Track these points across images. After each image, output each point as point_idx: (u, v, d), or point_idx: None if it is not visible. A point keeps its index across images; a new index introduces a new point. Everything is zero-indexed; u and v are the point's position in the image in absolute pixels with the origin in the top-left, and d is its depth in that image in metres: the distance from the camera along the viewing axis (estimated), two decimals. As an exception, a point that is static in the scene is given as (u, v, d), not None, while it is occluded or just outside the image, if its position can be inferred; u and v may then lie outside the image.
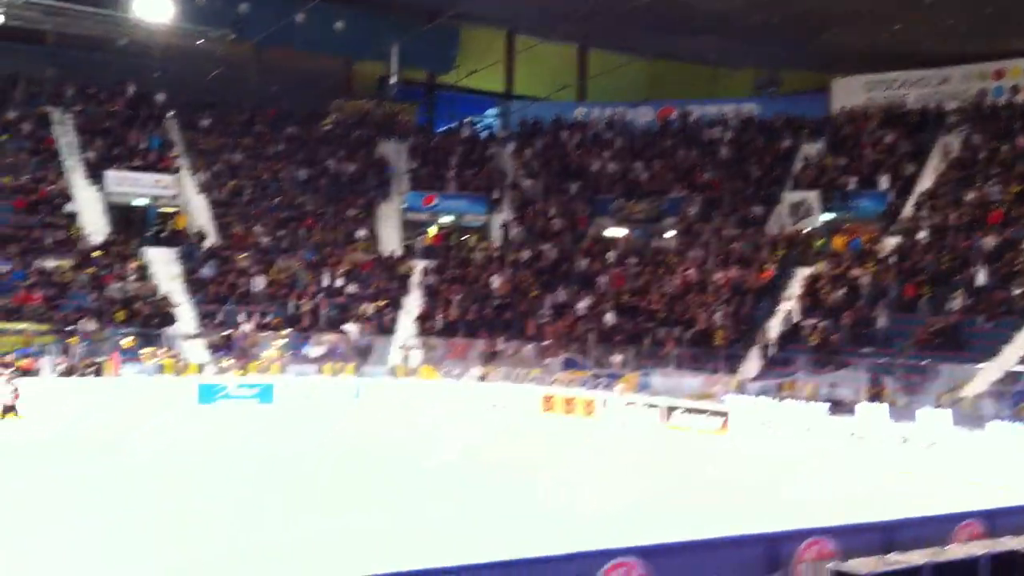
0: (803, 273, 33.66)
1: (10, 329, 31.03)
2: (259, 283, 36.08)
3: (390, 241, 41.70)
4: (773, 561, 9.97)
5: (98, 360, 30.64)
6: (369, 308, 36.60)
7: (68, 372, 30.00)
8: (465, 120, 52.21)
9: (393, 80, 51.99)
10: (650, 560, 9.15)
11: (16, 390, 25.49)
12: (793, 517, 13.58)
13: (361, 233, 40.95)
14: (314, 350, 33.82)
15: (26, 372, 29.13)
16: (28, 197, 36.82)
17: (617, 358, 32.19)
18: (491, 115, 54.79)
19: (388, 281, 38.78)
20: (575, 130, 47.21)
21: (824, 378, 27.42)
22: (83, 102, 41.56)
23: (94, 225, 36.84)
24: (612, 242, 39.87)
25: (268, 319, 34.83)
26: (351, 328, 35.24)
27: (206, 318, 34.44)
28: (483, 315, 36.76)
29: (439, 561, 8.88)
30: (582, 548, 9.59)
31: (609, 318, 34.86)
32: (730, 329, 32.39)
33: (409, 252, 41.13)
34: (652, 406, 26.19)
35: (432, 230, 43.33)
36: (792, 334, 31.27)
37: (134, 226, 38.26)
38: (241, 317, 34.43)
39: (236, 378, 31.49)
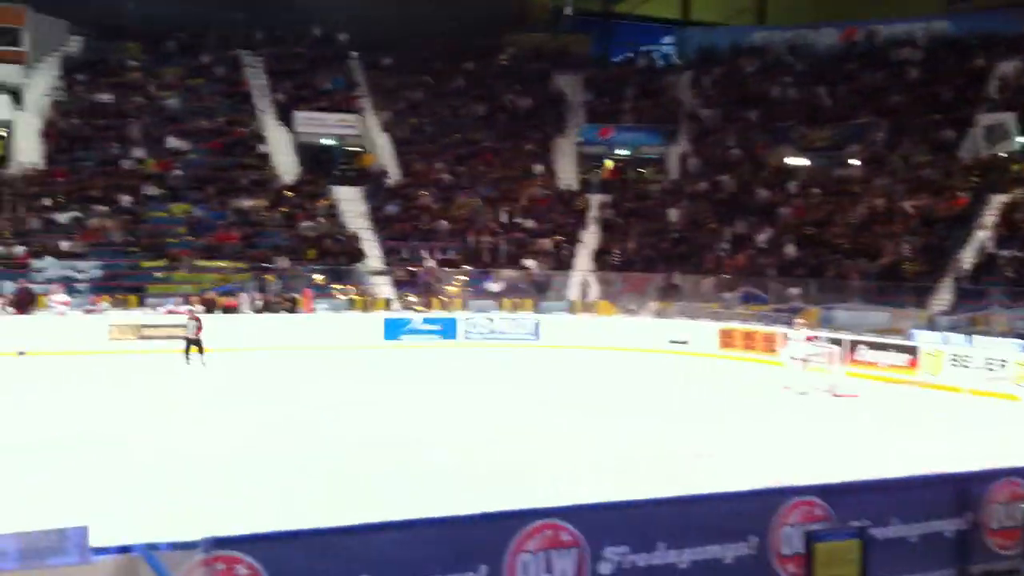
0: (999, 200, 32.02)
1: (210, 267, 32.85)
2: (442, 223, 36.94)
3: (567, 175, 41.88)
4: (963, 502, 9.77)
5: (292, 296, 32.08)
6: (547, 243, 37.00)
7: (265, 308, 31.50)
8: (640, 49, 51.61)
9: (567, 11, 51.86)
10: (828, 498, 9.14)
11: (199, 325, 26.63)
12: (985, 456, 13.23)
13: (538, 168, 41.28)
14: (494, 285, 34.51)
15: (227, 309, 30.93)
16: (223, 139, 38.72)
17: (797, 291, 31.58)
18: (667, 43, 53.93)
19: (565, 216, 39.02)
20: (754, 56, 45.88)
21: (1022, 312, 26.17)
22: (271, 45, 43.16)
23: (285, 165, 38.49)
24: (793, 171, 38.82)
25: (450, 255, 35.68)
26: (530, 263, 35.76)
27: (391, 254, 35.58)
28: (660, 248, 36.59)
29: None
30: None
31: (790, 250, 34.15)
32: (919, 260, 31.25)
33: (586, 186, 41.23)
34: (835, 341, 25.69)
35: (608, 163, 43.26)
36: (987, 265, 29.89)
37: (323, 165, 39.69)
38: (424, 253, 35.40)
39: (421, 313, 32.49)
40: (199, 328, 26.01)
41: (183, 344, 25.96)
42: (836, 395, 22.00)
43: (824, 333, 26.66)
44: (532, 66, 46.54)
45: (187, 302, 29.95)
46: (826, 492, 9.21)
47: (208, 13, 43.25)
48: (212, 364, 25.39)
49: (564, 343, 31.27)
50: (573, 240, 37.74)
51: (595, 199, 39.91)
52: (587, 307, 34.34)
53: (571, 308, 34.25)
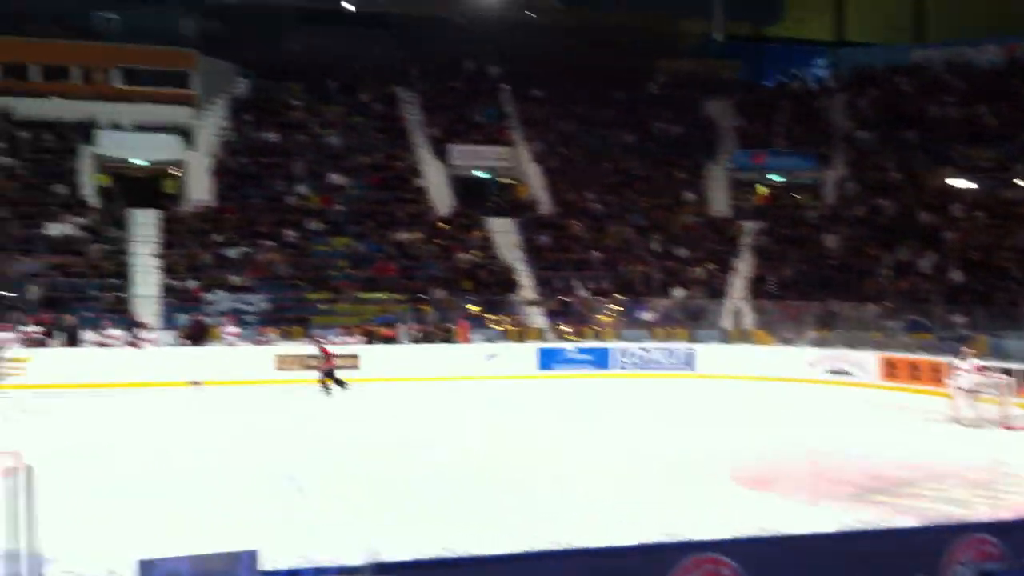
0: None
1: (370, 298, 33.84)
2: (594, 252, 37.10)
3: (719, 202, 41.53)
4: None
5: (448, 326, 32.70)
6: (700, 271, 36.72)
7: (423, 339, 32.18)
8: (792, 72, 50.90)
9: (717, 36, 51.58)
10: (1003, 536, 8.89)
11: (329, 356, 27.18)
12: None
13: (690, 195, 41.08)
14: (647, 314, 34.38)
15: (387, 339, 31.83)
16: (382, 174, 39.94)
17: (964, 319, 30.42)
18: (820, 65, 53.02)
19: (718, 243, 38.66)
20: (911, 75, 44.70)
21: None
22: (426, 81, 44.33)
23: (441, 198, 39.41)
24: (957, 193, 37.48)
25: (602, 284, 35.77)
26: (683, 292, 35.54)
27: (544, 284, 35.90)
28: (818, 276, 35.84)
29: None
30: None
31: (956, 276, 32.99)
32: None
33: (738, 213, 40.79)
34: (1007, 371, 24.70)
35: (761, 189, 42.73)
36: None
37: (477, 197, 40.46)
38: (576, 283, 35.60)
39: (574, 343, 32.63)
40: (329, 359, 26.96)
41: (320, 375, 27.03)
42: (1009, 428, 21.15)
43: (994, 363, 25.66)
44: (682, 93, 46.45)
45: (349, 333, 31.04)
46: (1000, 529, 8.98)
47: (365, 52, 44.80)
48: (358, 392, 26.36)
49: (719, 372, 30.90)
50: (727, 268, 37.33)
51: (749, 226, 39.42)
52: (743, 336, 33.84)
53: (726, 337, 33.81)
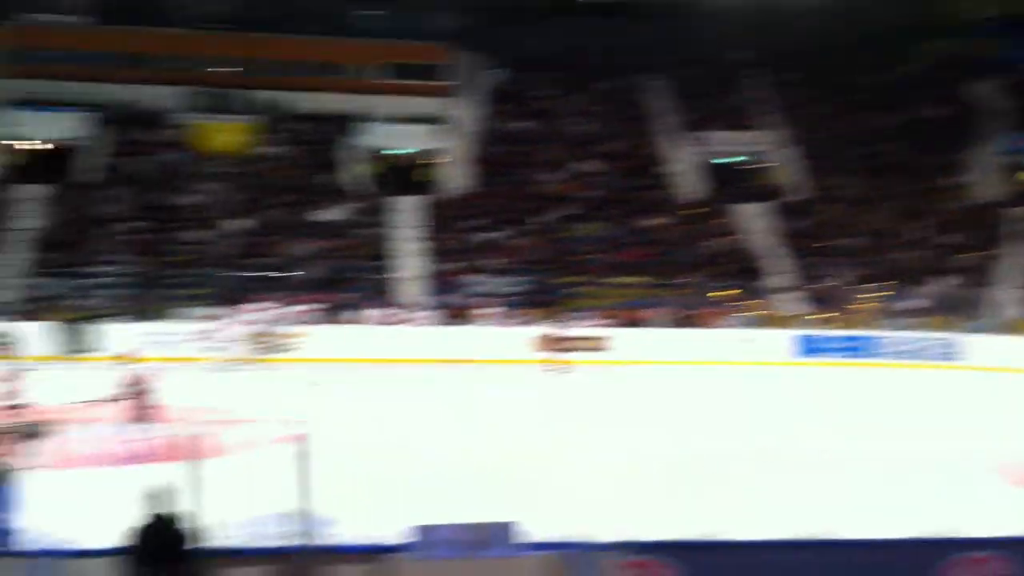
0: None
1: (618, 283, 34.08)
2: (853, 238, 35.94)
3: (985, 187, 39.31)
4: None
5: (699, 312, 32.50)
6: (966, 258, 34.90)
7: (672, 323, 32.06)
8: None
9: (981, 15, 48.72)
10: None
11: (557, 340, 27.82)
12: None
13: (954, 180, 39.13)
14: (912, 303, 32.94)
15: (636, 323, 31.98)
16: (629, 161, 40.14)
17: None
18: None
19: (985, 229, 36.61)
20: None
21: None
22: (676, 67, 44.04)
23: (690, 184, 39.22)
24: None
25: (863, 271, 34.56)
26: (948, 280, 33.90)
27: (800, 271, 35.08)
28: (1099, 265, 33.37)
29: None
30: None
31: None
32: None
33: (1007, 198, 38.47)
34: None
35: (1031, 173, 40.20)
36: None
37: (728, 183, 39.99)
38: (834, 269, 34.57)
39: (831, 331, 31.68)
40: (557, 342, 27.53)
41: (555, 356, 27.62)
42: None
43: None
44: (947, 74, 44.13)
45: (598, 316, 31.43)
46: None
47: (615, 41, 44.88)
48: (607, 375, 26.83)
49: (990, 364, 29.14)
50: (995, 255, 35.28)
51: (1018, 211, 37.08)
52: (1014, 327, 31.81)
53: (997, 328, 31.82)
